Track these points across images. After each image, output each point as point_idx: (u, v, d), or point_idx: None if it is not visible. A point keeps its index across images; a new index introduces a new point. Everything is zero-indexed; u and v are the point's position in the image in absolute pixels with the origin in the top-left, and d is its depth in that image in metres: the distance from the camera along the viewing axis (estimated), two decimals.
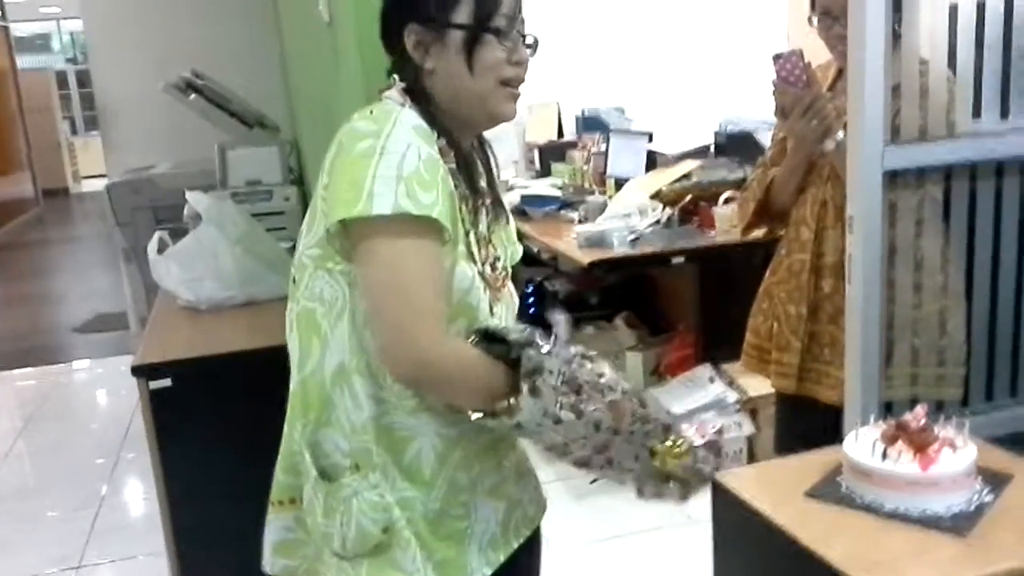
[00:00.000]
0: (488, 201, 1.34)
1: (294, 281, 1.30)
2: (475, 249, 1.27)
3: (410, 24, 1.24)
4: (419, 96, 1.26)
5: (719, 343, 3.42)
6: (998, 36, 1.84)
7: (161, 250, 2.48)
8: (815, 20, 2.02)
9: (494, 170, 1.40)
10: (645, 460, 1.28)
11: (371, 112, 1.22)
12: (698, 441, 1.40)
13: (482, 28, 1.23)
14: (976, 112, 1.87)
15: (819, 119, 1.93)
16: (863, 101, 1.75)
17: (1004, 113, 1.88)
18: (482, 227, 1.32)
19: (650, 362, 3.68)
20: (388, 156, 1.15)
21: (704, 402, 3.27)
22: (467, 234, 1.25)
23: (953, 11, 1.83)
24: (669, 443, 1.28)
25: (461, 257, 1.23)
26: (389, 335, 1.17)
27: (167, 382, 2.03)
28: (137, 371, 2.06)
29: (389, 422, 1.26)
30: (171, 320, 2.43)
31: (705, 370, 3.42)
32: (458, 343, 1.22)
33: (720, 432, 1.48)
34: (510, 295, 1.39)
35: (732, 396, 3.30)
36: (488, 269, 1.31)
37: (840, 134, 1.92)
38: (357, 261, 1.20)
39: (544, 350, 1.19)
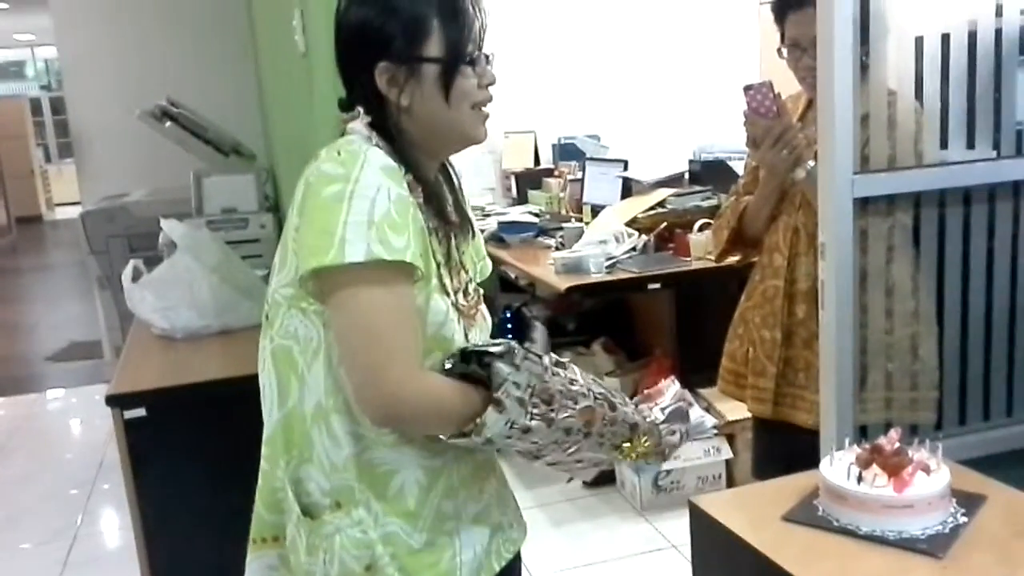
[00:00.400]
0: (456, 222, 1.35)
1: (267, 318, 1.30)
2: (448, 280, 1.28)
3: (381, 63, 1.23)
4: (386, 131, 1.25)
5: (696, 368, 3.43)
6: (963, 68, 1.88)
7: (136, 278, 2.47)
8: (784, 51, 2.06)
9: (457, 188, 1.40)
10: (612, 457, 1.34)
11: (338, 153, 1.20)
12: (659, 417, 1.41)
13: (457, 60, 1.24)
14: (943, 143, 1.91)
15: (789, 149, 1.96)
16: (833, 131, 1.79)
17: (970, 143, 1.93)
18: (454, 254, 1.32)
19: (628, 387, 3.69)
20: (358, 201, 1.15)
21: None
22: (439, 266, 1.25)
23: (919, 43, 1.87)
24: (634, 441, 1.33)
25: (434, 291, 1.24)
26: (361, 378, 1.18)
27: (141, 412, 2.01)
28: (111, 400, 2.04)
29: (370, 458, 1.25)
30: (146, 349, 2.41)
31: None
32: (429, 378, 1.21)
33: (684, 398, 1.50)
34: (483, 318, 1.39)
35: (709, 421, 3.27)
36: (461, 297, 1.31)
37: (811, 163, 1.95)
38: (329, 306, 1.20)
39: (516, 360, 1.20)
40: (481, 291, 1.41)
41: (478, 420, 1.18)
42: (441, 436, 1.23)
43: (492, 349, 1.22)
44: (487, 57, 1.28)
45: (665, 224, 3.58)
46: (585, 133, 4.92)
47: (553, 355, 1.30)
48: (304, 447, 1.27)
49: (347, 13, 1.26)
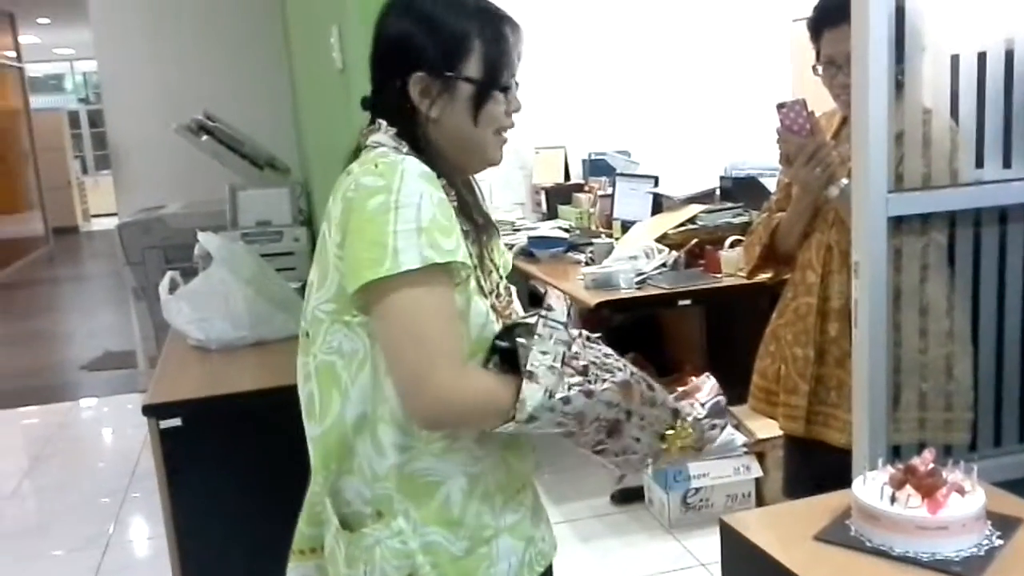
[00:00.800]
0: (483, 224, 1.37)
1: (307, 335, 1.32)
2: (484, 282, 1.30)
3: (417, 73, 1.26)
4: (415, 141, 1.28)
5: (726, 385, 3.39)
6: (999, 86, 1.87)
7: (172, 290, 2.51)
8: (820, 68, 2.06)
9: (478, 193, 1.42)
10: (657, 448, 1.33)
11: (376, 166, 1.22)
12: (700, 412, 1.41)
13: (493, 85, 1.27)
14: (979, 161, 1.90)
15: (823, 167, 1.96)
16: (867, 149, 1.78)
17: (1007, 162, 1.91)
18: (486, 257, 1.34)
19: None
20: (404, 210, 1.17)
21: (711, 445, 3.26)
22: (475, 268, 1.28)
23: (955, 61, 1.86)
24: (678, 427, 1.34)
25: (474, 293, 1.26)
26: (408, 384, 1.20)
27: (177, 422, 2.04)
28: (148, 410, 2.07)
29: (413, 469, 1.27)
30: (181, 360, 2.44)
31: None
32: (474, 376, 1.24)
33: (721, 393, 1.49)
34: (516, 313, 1.41)
35: (740, 438, 3.30)
36: (495, 298, 1.33)
37: (844, 181, 1.95)
38: (374, 315, 1.21)
39: (537, 329, 1.22)
40: (512, 288, 1.43)
41: (519, 397, 1.20)
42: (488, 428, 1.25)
43: (520, 321, 1.26)
44: (517, 84, 1.31)
45: (696, 240, 3.58)
46: (615, 149, 4.93)
47: (585, 331, 1.31)
48: (345, 458, 1.28)
49: (387, 23, 1.29)
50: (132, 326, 5.17)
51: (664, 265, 3.50)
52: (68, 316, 8.42)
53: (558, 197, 4.88)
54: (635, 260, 3.49)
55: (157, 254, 4.45)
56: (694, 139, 4.89)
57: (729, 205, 3.76)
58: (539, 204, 5.05)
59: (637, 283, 3.37)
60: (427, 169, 1.23)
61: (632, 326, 4.08)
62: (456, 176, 1.33)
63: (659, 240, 3.63)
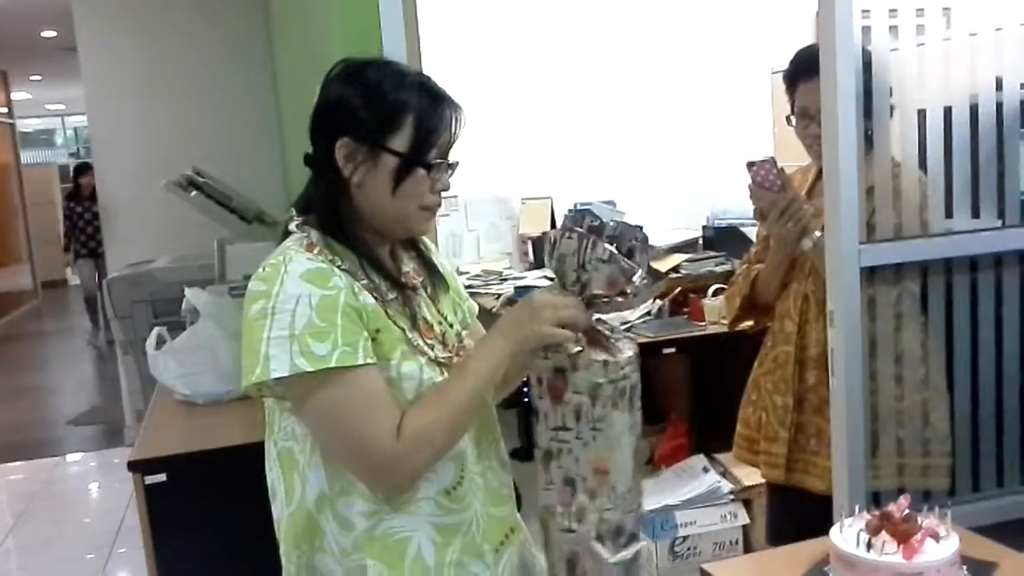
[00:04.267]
0: (419, 281, 1.40)
1: (267, 421, 1.35)
2: (418, 340, 1.31)
3: (344, 138, 1.27)
4: (332, 213, 1.29)
5: (712, 433, 3.43)
6: (966, 139, 1.93)
7: (159, 345, 2.52)
8: (794, 120, 2.11)
9: (425, 249, 1.45)
10: None
11: (264, 269, 1.26)
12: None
13: (416, 162, 1.28)
14: (948, 212, 1.95)
15: (794, 221, 2.01)
16: (838, 201, 1.84)
17: (975, 213, 1.97)
18: (423, 311, 1.37)
19: (645, 452, 3.69)
20: (279, 316, 1.20)
21: (698, 492, 3.27)
22: (404, 331, 1.29)
23: (922, 115, 1.93)
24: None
25: (404, 358, 1.28)
26: (355, 470, 1.26)
27: (162, 477, 2.04)
28: (133, 466, 2.08)
29: (383, 531, 1.29)
30: (168, 414, 2.45)
31: (699, 460, 3.43)
32: (409, 430, 1.23)
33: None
34: None
35: (726, 486, 3.30)
36: (440, 350, 1.34)
37: (817, 233, 1.99)
38: (298, 412, 1.27)
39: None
40: (464, 332, 1.45)
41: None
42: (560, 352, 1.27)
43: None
44: (450, 166, 1.33)
45: (679, 289, 3.62)
46: (601, 198, 4.99)
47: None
48: (314, 538, 1.31)
49: (330, 87, 1.32)
50: (120, 380, 5.16)
51: (649, 313, 3.54)
52: (55, 370, 8.38)
53: (544, 247, 4.93)
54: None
55: (145, 308, 4.45)
56: (678, 188, 4.96)
57: (712, 254, 3.82)
58: (526, 254, 5.09)
59: (622, 331, 3.39)
60: (314, 265, 1.24)
61: None
62: (382, 241, 1.35)
63: None
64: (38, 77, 12.28)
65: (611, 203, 4.98)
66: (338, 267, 1.27)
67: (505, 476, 1.43)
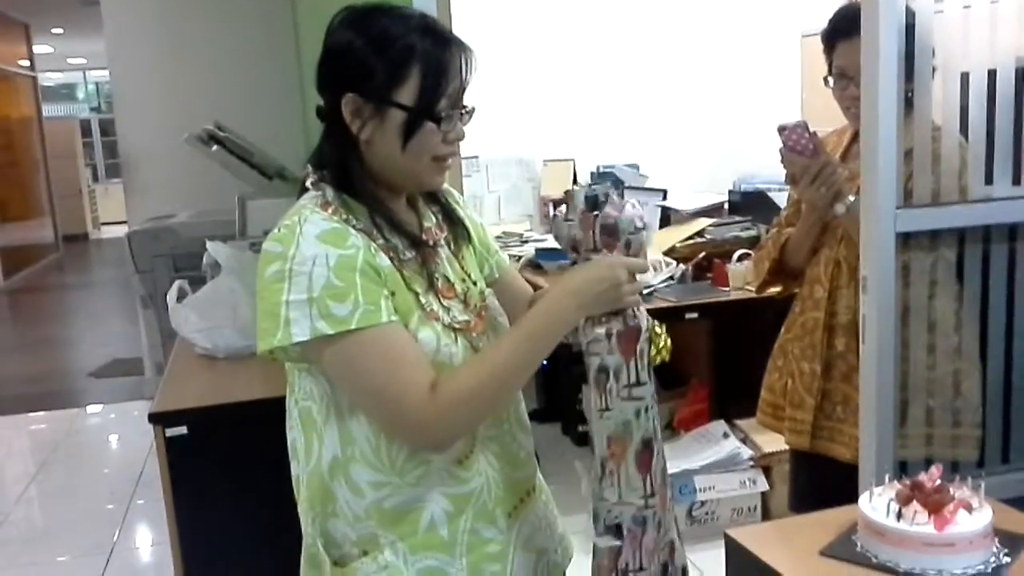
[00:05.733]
0: (442, 236, 1.36)
1: (289, 381, 1.33)
2: (433, 305, 1.27)
3: (349, 94, 1.22)
4: (343, 170, 1.25)
5: (733, 399, 3.41)
6: (1009, 104, 1.87)
7: (180, 298, 2.51)
8: (831, 80, 2.06)
9: (445, 201, 1.40)
10: None
11: (279, 230, 1.22)
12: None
13: (426, 115, 1.22)
14: (988, 178, 1.90)
15: (827, 186, 1.96)
16: (876, 166, 1.79)
17: (1016, 179, 1.91)
18: (445, 269, 1.33)
19: (664, 416, 3.67)
20: (296, 279, 1.17)
21: (717, 458, 3.26)
22: (417, 296, 1.25)
23: (965, 79, 1.87)
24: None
25: (420, 323, 1.24)
26: (389, 429, 1.23)
27: (183, 430, 2.04)
28: (154, 418, 2.07)
29: (394, 504, 1.27)
30: (188, 368, 2.45)
31: (719, 426, 3.42)
32: (446, 389, 1.20)
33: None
34: (494, 318, 1.38)
35: (746, 452, 3.29)
36: (458, 312, 1.30)
37: (851, 198, 1.94)
38: (327, 371, 1.24)
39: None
40: (488, 291, 1.40)
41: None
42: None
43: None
44: (463, 113, 1.27)
45: (703, 254, 3.57)
46: (624, 161, 4.93)
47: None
48: (328, 502, 1.29)
49: (336, 33, 1.26)
50: (140, 334, 5.19)
51: (672, 278, 3.50)
52: (76, 323, 8.45)
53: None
54: (643, 273, 3.48)
55: (166, 262, 4.45)
56: (703, 153, 4.90)
57: (737, 219, 3.76)
58: (547, 216, 5.05)
59: (644, 296, 3.36)
60: (329, 226, 1.20)
61: None
62: (396, 197, 1.31)
63: (667, 253, 3.63)
64: (60, 30, 12.24)
65: (635, 166, 4.93)
66: (353, 227, 1.23)
67: (524, 438, 1.41)
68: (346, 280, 1.18)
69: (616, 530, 1.30)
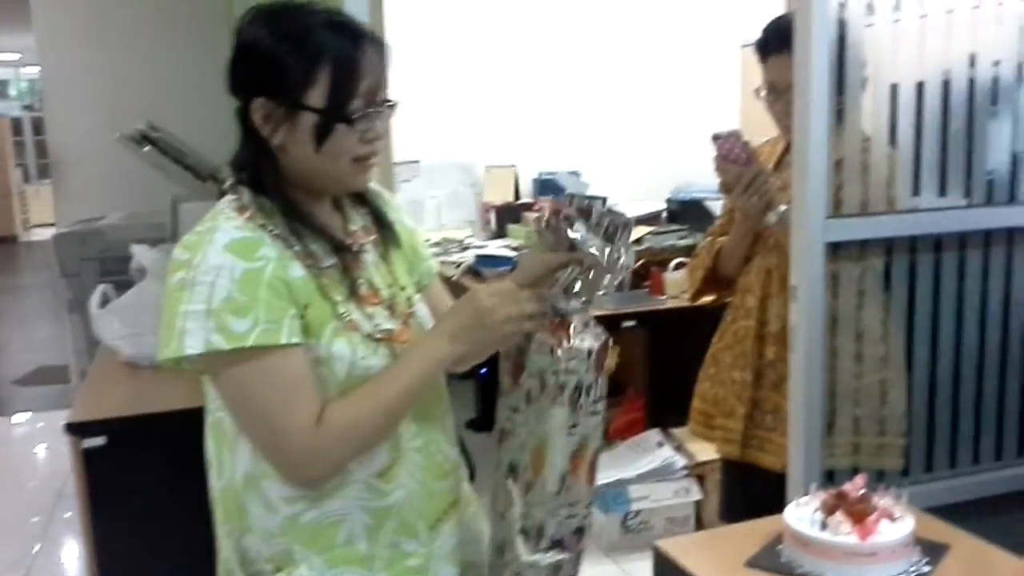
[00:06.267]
0: (369, 240, 1.32)
1: (204, 389, 1.29)
2: (355, 314, 1.23)
3: (258, 99, 1.18)
4: (258, 174, 1.21)
5: (668, 407, 3.42)
6: (937, 116, 1.91)
7: (104, 304, 2.43)
8: (763, 93, 2.07)
9: (375, 202, 1.36)
10: None
11: (191, 236, 1.18)
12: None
13: (339, 116, 1.17)
14: (916, 189, 1.93)
15: (759, 195, 1.97)
16: (806, 175, 1.80)
17: (942, 191, 1.94)
18: (371, 274, 1.29)
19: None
20: (198, 288, 1.13)
21: (652, 467, 3.27)
22: (336, 305, 1.21)
23: (894, 90, 1.89)
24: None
25: (336, 335, 1.20)
26: (268, 457, 1.19)
27: (101, 440, 1.96)
28: (71, 428, 2.00)
29: (310, 519, 1.23)
30: (110, 376, 2.36)
31: (654, 435, 3.42)
32: (330, 422, 1.17)
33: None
34: (422, 327, 1.33)
35: (680, 461, 3.30)
36: (382, 320, 1.26)
37: (782, 207, 1.96)
38: (216, 388, 1.21)
39: None
40: (417, 296, 1.37)
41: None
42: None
43: None
44: (383, 109, 1.22)
45: (642, 261, 3.58)
46: (566, 168, 4.94)
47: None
48: (242, 517, 1.25)
49: (243, 33, 1.21)
50: (66, 340, 5.03)
51: None
52: (2, 328, 8.17)
53: (507, 216, 4.87)
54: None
55: (93, 266, 4.31)
56: (642, 161, 4.93)
57: (675, 227, 3.79)
58: (488, 223, 5.03)
59: (582, 304, 3.35)
60: (240, 235, 1.16)
61: None
62: (318, 201, 1.26)
63: None
64: None
65: (576, 173, 4.94)
66: (270, 233, 1.19)
67: (450, 449, 1.37)
68: (249, 295, 1.14)
69: (559, 544, 1.28)
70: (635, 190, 4.73)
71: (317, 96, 1.17)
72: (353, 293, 1.25)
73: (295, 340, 1.16)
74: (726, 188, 2.03)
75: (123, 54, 5.25)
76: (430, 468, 1.32)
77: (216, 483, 1.28)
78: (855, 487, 1.47)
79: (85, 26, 5.27)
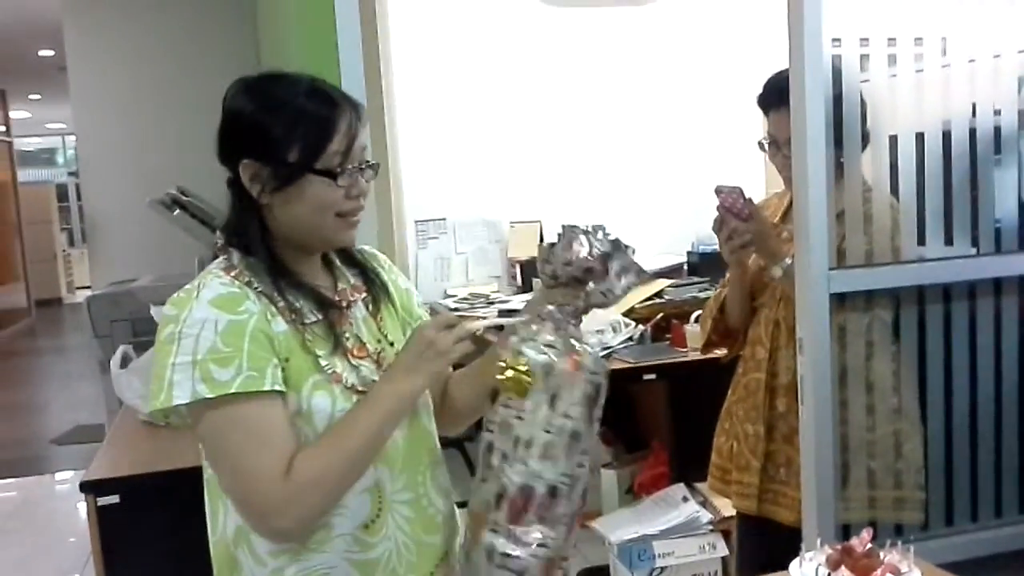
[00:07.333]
0: (360, 298, 1.36)
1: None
2: (338, 367, 1.26)
3: (246, 160, 1.24)
4: (245, 234, 1.27)
5: (692, 461, 3.37)
6: (938, 166, 1.90)
7: (124, 364, 2.48)
8: (765, 145, 2.09)
9: (362, 258, 1.41)
10: None
11: (179, 294, 1.24)
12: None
13: (310, 169, 1.24)
14: (921, 239, 1.92)
15: (761, 250, 1.99)
16: (808, 228, 1.81)
17: (948, 240, 1.93)
18: (359, 329, 1.33)
19: (625, 480, 3.64)
20: (184, 341, 1.18)
21: (677, 522, 3.21)
22: (317, 359, 1.24)
23: (893, 142, 1.90)
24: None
25: (316, 388, 1.23)
26: (240, 511, 1.22)
27: (115, 499, 1.99)
28: (85, 487, 2.03)
29: (295, 572, 1.24)
30: (130, 434, 2.40)
31: (678, 489, 3.37)
32: (297, 476, 1.18)
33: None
34: None
35: (705, 516, 3.24)
36: (368, 373, 1.29)
37: (788, 260, 1.96)
38: (198, 441, 1.24)
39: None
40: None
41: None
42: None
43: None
44: (365, 169, 1.29)
45: (662, 314, 3.58)
46: (591, 223, 4.96)
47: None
48: (234, 570, 1.27)
49: (228, 103, 1.28)
50: (101, 399, 5.12)
51: (631, 339, 3.50)
52: (45, 388, 8.33)
53: (533, 271, 4.90)
54: (602, 333, 3.48)
55: (125, 327, 4.40)
56: (664, 214, 4.94)
57: (696, 280, 3.78)
58: (514, 277, 5.06)
59: (602, 356, 3.35)
60: (226, 291, 1.21)
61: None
62: (305, 258, 1.32)
63: (626, 314, 3.63)
64: (37, 96, 12.33)
65: (601, 227, 4.95)
66: (254, 289, 1.23)
67: (442, 502, 1.38)
68: (233, 345, 1.18)
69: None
70: (660, 243, 4.73)
71: (301, 154, 1.24)
72: (338, 346, 1.28)
73: (278, 387, 1.20)
74: (727, 239, 2.04)
75: (155, 122, 5.42)
76: (420, 521, 1.32)
77: (212, 537, 1.31)
78: (861, 542, 1.44)
79: (120, 96, 5.46)
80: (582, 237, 1.35)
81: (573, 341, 1.29)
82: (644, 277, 1.41)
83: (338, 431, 1.23)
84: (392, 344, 1.36)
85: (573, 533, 1.30)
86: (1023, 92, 1.95)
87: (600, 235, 1.36)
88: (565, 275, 1.34)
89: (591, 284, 1.34)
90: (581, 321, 1.36)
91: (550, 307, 1.32)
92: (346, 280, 1.37)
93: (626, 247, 1.37)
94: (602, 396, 1.34)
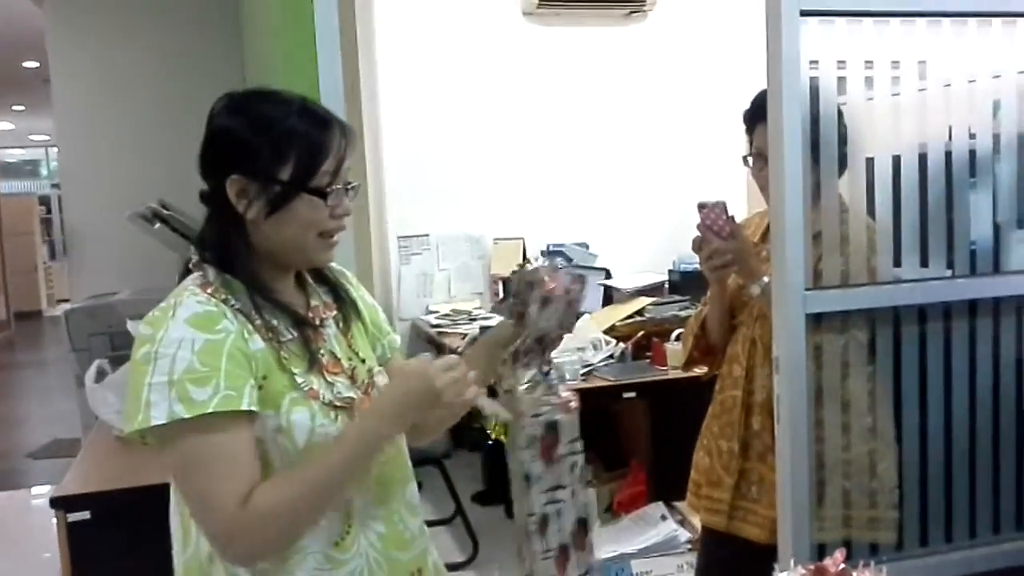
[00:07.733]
0: (331, 316, 1.36)
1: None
2: (315, 384, 1.26)
3: (234, 175, 1.24)
4: (225, 251, 1.26)
5: (671, 480, 3.36)
6: (914, 188, 1.91)
7: (99, 379, 2.46)
8: (750, 160, 2.09)
9: (332, 277, 1.41)
10: None
11: (154, 313, 1.23)
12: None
13: (309, 190, 1.25)
14: (897, 260, 1.93)
15: (739, 269, 2.00)
16: (784, 248, 1.81)
17: (924, 261, 1.94)
18: (333, 346, 1.33)
19: (604, 498, 3.63)
20: (160, 361, 1.17)
21: (655, 540, 3.21)
22: (294, 376, 1.24)
23: (870, 163, 1.91)
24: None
25: (294, 404, 1.23)
26: (205, 533, 1.21)
27: (86, 515, 1.97)
28: (55, 502, 2.01)
29: None
30: (103, 450, 2.38)
31: (657, 508, 3.38)
32: (258, 503, 1.17)
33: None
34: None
35: (684, 535, 3.24)
36: (343, 389, 1.29)
37: (766, 278, 1.96)
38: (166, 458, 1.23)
39: None
40: (378, 369, 1.40)
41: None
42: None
43: None
44: (347, 189, 1.29)
45: (643, 332, 3.58)
46: (573, 240, 4.98)
47: None
48: None
49: (217, 118, 1.28)
50: (76, 414, 5.06)
51: (611, 357, 3.50)
52: (23, 401, 8.25)
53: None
54: (582, 351, 3.49)
55: (103, 341, 4.35)
56: (649, 231, 4.97)
57: (676, 298, 3.79)
58: (497, 294, 5.07)
59: (583, 374, 3.35)
60: (202, 309, 1.21)
61: (580, 419, 4.04)
62: (283, 275, 1.32)
63: (607, 332, 3.64)
64: (21, 107, 12.27)
65: (584, 245, 4.97)
66: (231, 307, 1.23)
67: (412, 519, 1.38)
68: (210, 364, 1.17)
69: None
70: (642, 260, 4.75)
71: (289, 172, 1.24)
72: (314, 363, 1.28)
73: (254, 408, 1.19)
74: (707, 257, 2.04)
75: (138, 135, 5.39)
76: (391, 538, 1.33)
77: (180, 555, 1.29)
78: (835, 562, 1.43)
79: (102, 108, 5.43)
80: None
81: (522, 386, 1.34)
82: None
83: (305, 464, 1.22)
84: (364, 361, 1.37)
85: (571, 561, 1.38)
86: (998, 116, 1.96)
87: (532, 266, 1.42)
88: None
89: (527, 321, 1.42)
90: (546, 360, 1.41)
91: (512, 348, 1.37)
92: (318, 297, 1.38)
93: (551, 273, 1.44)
94: (563, 430, 1.36)
